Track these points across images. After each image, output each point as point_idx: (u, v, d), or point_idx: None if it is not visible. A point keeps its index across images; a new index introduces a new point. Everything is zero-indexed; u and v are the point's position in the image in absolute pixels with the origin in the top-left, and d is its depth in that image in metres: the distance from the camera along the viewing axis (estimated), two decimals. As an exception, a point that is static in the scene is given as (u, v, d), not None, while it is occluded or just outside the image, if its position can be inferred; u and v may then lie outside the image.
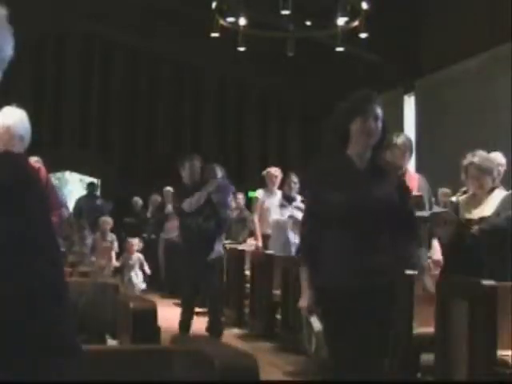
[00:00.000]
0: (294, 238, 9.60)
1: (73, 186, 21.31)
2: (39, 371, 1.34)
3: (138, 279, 11.17)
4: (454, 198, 7.13)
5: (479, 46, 14.13)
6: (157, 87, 20.34)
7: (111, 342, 4.56)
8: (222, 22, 13.30)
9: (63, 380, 1.37)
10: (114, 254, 11.52)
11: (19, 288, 1.35)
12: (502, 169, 6.79)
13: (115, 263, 11.40)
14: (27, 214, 1.38)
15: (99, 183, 19.66)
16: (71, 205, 15.04)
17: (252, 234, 11.07)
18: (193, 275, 7.78)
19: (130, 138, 20.14)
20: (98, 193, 18.34)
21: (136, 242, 11.54)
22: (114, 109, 20.04)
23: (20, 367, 1.33)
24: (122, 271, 11.15)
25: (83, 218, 12.46)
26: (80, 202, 15.61)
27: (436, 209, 6.73)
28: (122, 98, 20.03)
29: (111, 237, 11.82)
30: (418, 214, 6.29)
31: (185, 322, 7.70)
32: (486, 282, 5.01)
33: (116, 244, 11.80)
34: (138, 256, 11.35)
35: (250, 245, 10.87)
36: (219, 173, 8.29)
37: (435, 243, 6.60)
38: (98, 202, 14.80)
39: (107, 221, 12.19)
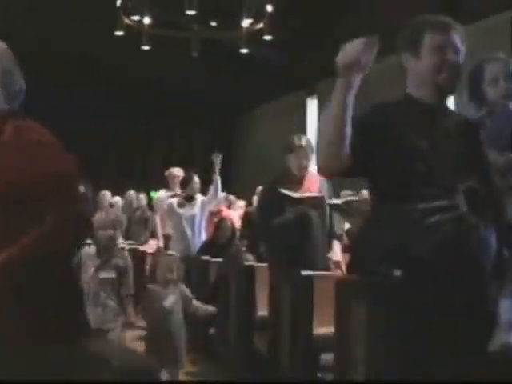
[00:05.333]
0: (193, 237, 9.60)
1: None
2: None
3: None
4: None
5: (383, 50, 14.37)
6: (65, 84, 19.95)
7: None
8: (126, 20, 13.16)
9: None
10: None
11: None
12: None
13: None
14: None
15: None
16: None
17: (153, 234, 11.00)
18: None
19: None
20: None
21: None
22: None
23: None
24: None
25: None
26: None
27: (349, 197, 6.81)
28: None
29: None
30: (331, 202, 6.37)
31: None
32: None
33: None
34: None
35: (151, 245, 10.80)
36: None
37: (335, 244, 6.68)
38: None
39: None
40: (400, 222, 3.17)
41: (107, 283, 5.70)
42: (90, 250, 5.92)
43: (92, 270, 5.75)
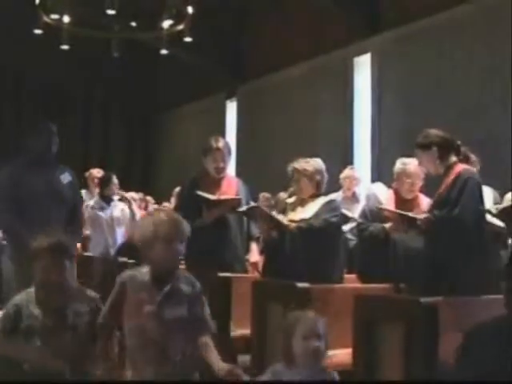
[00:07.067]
0: (112, 239, 9.53)
1: None
2: None
3: None
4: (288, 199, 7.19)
5: (300, 55, 14.54)
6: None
7: None
8: (45, 18, 12.94)
9: None
10: None
11: None
12: (325, 174, 6.94)
13: None
14: None
15: None
16: None
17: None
18: None
19: None
20: None
21: None
22: None
23: None
24: None
25: None
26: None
27: (252, 203, 6.87)
28: None
29: None
30: (240, 209, 6.41)
31: None
32: (300, 285, 5.12)
33: None
34: None
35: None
36: None
37: (253, 245, 6.72)
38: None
39: None
40: None
41: (178, 326, 3.69)
42: (138, 274, 3.82)
43: (148, 307, 3.67)
